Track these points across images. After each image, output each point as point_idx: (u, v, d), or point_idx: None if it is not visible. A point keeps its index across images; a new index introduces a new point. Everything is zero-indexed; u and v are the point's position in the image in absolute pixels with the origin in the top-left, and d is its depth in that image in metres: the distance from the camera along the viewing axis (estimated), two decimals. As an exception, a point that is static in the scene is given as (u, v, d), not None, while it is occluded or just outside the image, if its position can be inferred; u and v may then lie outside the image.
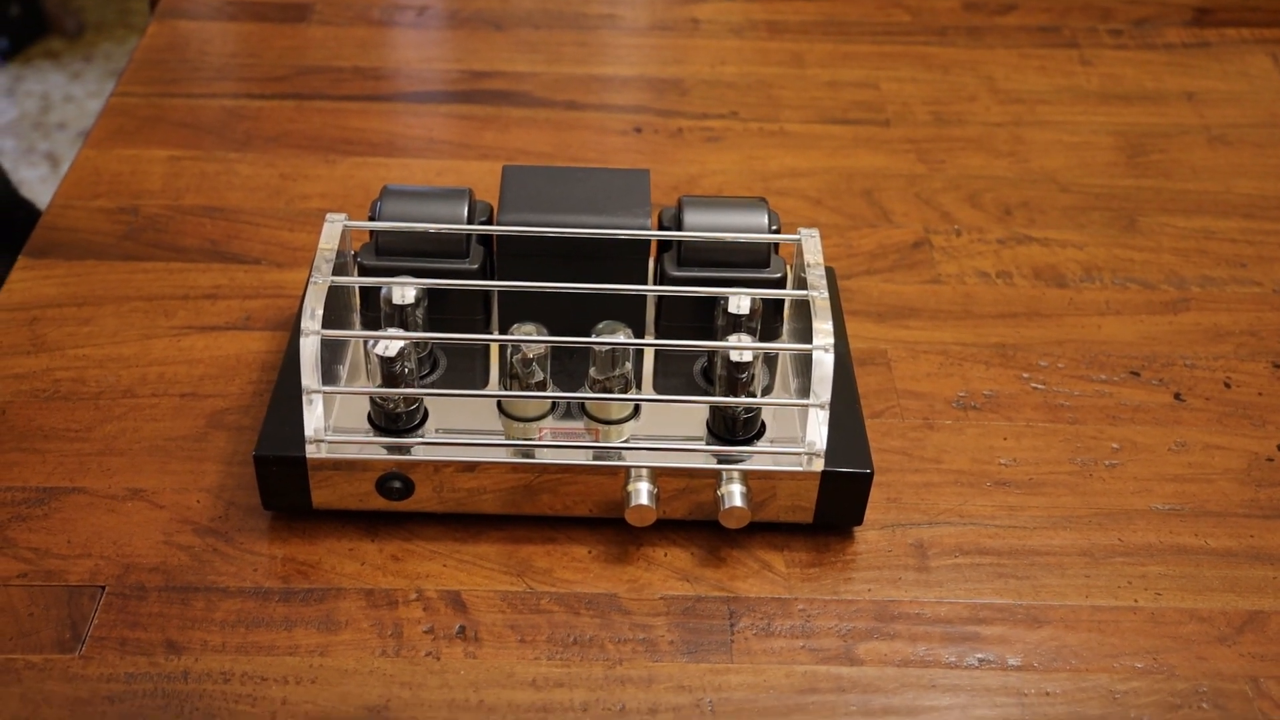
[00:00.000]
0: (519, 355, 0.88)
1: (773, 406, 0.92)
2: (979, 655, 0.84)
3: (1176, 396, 1.05)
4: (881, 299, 1.13)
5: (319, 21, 1.48)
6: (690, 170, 1.29)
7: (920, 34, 1.54)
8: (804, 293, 0.89)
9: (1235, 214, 1.27)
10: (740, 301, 0.90)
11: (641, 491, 0.85)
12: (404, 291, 0.89)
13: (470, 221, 0.95)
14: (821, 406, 0.85)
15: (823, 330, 0.85)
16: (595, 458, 0.87)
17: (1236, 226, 1.25)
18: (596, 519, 0.90)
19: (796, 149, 1.33)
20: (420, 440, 0.88)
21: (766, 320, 0.95)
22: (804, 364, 0.92)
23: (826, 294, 0.88)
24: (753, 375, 0.88)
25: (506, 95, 1.38)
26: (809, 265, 0.92)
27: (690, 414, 0.92)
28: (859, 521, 0.90)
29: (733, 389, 0.88)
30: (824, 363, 0.85)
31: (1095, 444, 1.00)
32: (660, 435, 0.91)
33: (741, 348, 0.86)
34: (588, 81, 1.42)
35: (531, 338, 0.87)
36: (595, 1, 1.57)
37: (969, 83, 1.46)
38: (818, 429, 0.86)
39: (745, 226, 0.95)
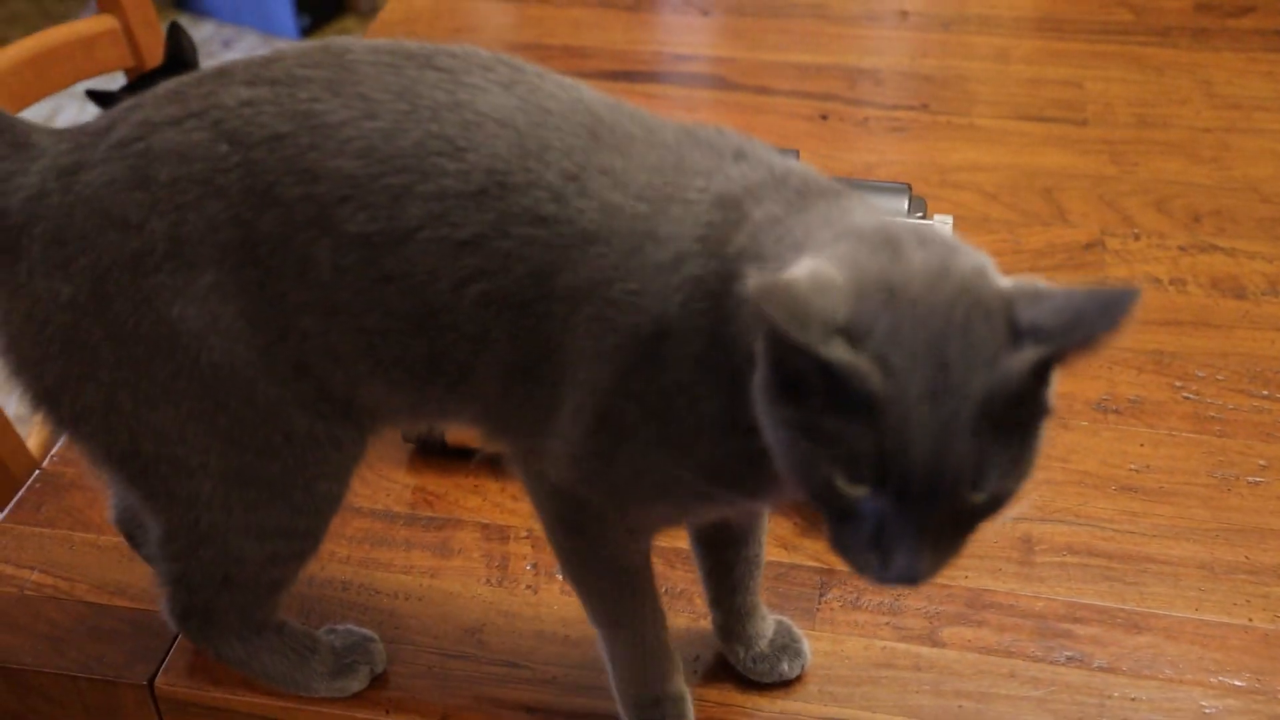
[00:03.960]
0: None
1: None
2: (1067, 653, 0.83)
3: (1343, 419, 0.99)
4: (1039, 296, 1.11)
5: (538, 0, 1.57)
6: (868, 159, 1.30)
7: (1140, 34, 1.49)
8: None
9: None
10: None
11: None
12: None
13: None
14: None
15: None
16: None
17: None
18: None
19: (983, 144, 1.32)
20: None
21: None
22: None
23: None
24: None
25: (701, 78, 1.43)
26: (937, 252, 0.92)
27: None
28: (967, 510, 0.90)
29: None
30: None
31: (1241, 459, 0.96)
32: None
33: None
34: (783, 68, 1.45)
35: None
36: (808, -9, 1.59)
37: (1183, 85, 1.40)
38: (927, 413, 0.87)
39: (883, 212, 0.96)
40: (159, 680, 0.81)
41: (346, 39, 0.67)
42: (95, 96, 1.16)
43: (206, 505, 0.69)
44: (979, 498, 0.54)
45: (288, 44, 0.68)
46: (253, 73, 0.65)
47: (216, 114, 0.63)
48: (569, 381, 0.64)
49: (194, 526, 0.70)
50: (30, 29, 1.53)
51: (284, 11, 3.02)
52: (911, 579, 0.55)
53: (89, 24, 1.29)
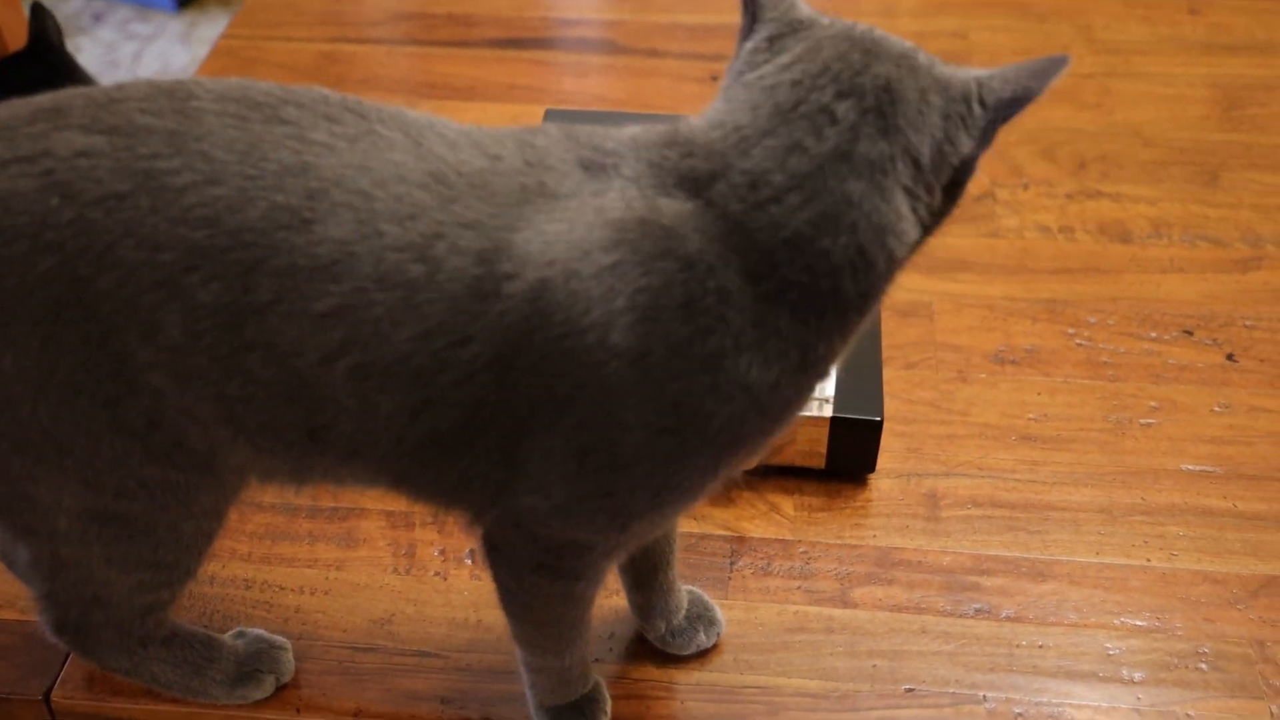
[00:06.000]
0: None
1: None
2: (976, 605, 0.84)
3: (1229, 357, 1.02)
4: (933, 251, 1.11)
5: (419, -31, 1.53)
6: (760, 118, 1.29)
7: (1021, -19, 1.50)
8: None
9: (1329, 171, 1.21)
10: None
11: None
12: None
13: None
14: (829, 353, 0.86)
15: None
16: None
17: (1328, 185, 1.20)
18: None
19: (872, 98, 1.32)
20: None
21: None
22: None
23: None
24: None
25: (590, 42, 1.41)
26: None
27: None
28: (871, 469, 0.91)
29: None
30: (831, 310, 0.85)
31: (1133, 402, 0.98)
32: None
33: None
34: (673, 29, 1.43)
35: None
36: (692, -52, 1.57)
37: (1064, 32, 1.42)
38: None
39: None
40: (55, 693, 0.78)
41: (191, 81, 0.63)
42: (-46, 86, 1.10)
43: (65, 539, 0.66)
44: None
45: (131, 81, 0.62)
46: (91, 115, 0.60)
47: (48, 163, 0.59)
48: (521, 443, 0.61)
49: (55, 555, 0.68)
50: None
51: (156, -17, 2.92)
52: None
53: (-57, 8, 1.23)
